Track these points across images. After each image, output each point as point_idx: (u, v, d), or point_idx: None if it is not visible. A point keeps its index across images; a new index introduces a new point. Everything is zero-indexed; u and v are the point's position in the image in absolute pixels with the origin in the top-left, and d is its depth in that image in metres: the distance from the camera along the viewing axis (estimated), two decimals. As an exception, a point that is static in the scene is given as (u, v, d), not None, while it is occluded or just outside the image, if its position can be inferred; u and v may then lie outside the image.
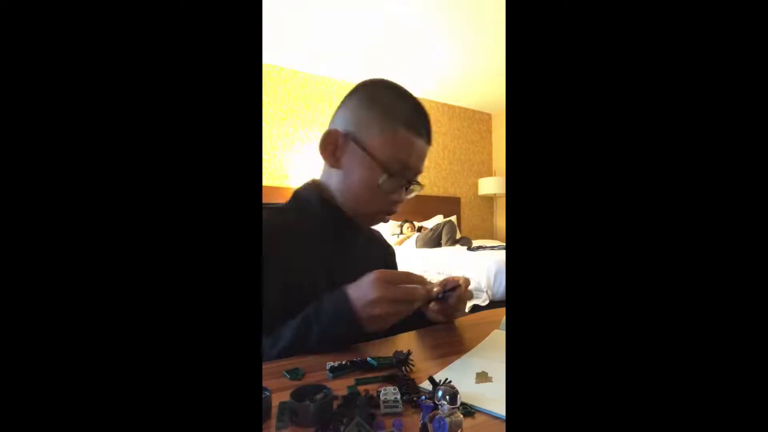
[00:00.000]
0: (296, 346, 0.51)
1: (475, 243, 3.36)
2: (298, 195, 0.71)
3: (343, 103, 0.68)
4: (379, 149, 0.62)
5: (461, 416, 0.32)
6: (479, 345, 0.56)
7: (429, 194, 4.55)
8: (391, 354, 0.48)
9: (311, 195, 0.69)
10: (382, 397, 0.37)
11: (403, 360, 0.47)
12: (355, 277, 0.56)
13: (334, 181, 0.68)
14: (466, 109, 4.95)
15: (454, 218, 4.22)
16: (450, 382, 0.38)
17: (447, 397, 0.31)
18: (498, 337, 0.60)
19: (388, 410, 0.36)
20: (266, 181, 3.59)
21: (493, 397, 0.38)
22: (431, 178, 4.58)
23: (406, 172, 0.65)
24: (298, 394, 0.35)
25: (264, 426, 0.33)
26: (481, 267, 2.51)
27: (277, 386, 0.41)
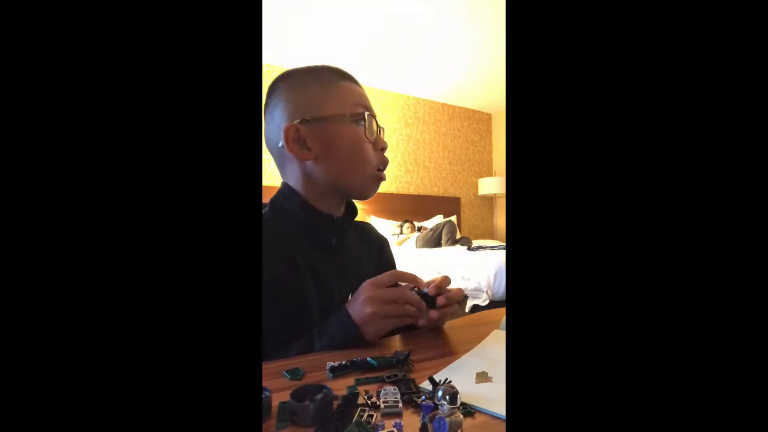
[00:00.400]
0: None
1: (475, 243, 3.36)
2: (275, 203, 0.67)
3: (268, 108, 0.66)
4: (339, 108, 0.63)
5: (461, 416, 0.32)
6: (479, 345, 0.56)
7: (429, 194, 4.55)
8: (391, 354, 0.48)
9: (288, 201, 0.66)
10: (382, 398, 0.37)
11: (403, 360, 0.47)
12: (347, 280, 0.57)
13: (317, 172, 0.64)
14: (466, 109, 4.95)
15: (454, 218, 4.22)
16: (450, 382, 0.38)
17: (447, 397, 0.31)
18: (498, 337, 0.60)
19: (388, 410, 0.36)
20: (266, 181, 3.59)
21: (493, 397, 0.38)
22: (431, 178, 4.59)
23: (372, 113, 0.66)
24: (298, 394, 0.35)
25: (264, 426, 0.33)
26: (481, 267, 2.51)
27: (277, 386, 0.41)
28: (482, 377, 0.43)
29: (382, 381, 0.43)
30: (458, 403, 0.31)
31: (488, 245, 3.12)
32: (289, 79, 0.66)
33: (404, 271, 0.61)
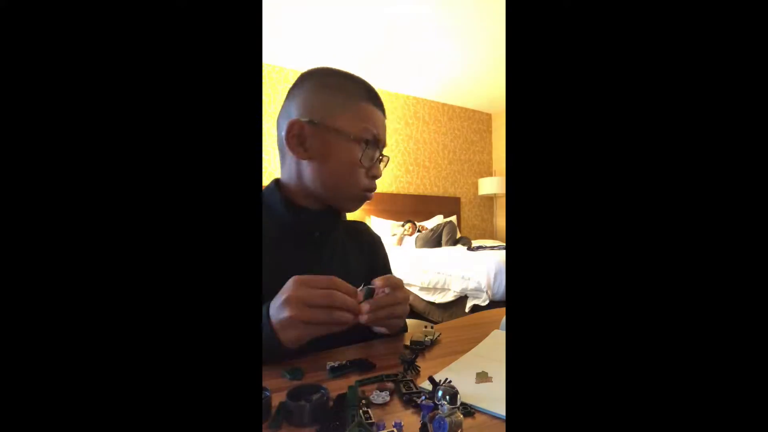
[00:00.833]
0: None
1: (475, 243, 3.36)
2: (262, 199, 0.66)
3: (291, 95, 0.65)
4: (349, 125, 0.62)
5: (461, 416, 0.32)
6: (479, 345, 0.56)
7: (429, 194, 4.55)
8: (390, 354, 0.48)
9: (274, 198, 0.66)
10: (372, 400, 0.37)
11: (410, 362, 0.47)
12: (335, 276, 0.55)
13: (307, 173, 0.64)
14: (466, 109, 4.95)
15: (454, 218, 4.22)
16: (450, 382, 0.38)
17: (447, 397, 0.31)
18: (498, 337, 0.60)
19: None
20: (266, 181, 3.59)
21: (493, 397, 0.38)
22: (431, 178, 4.59)
23: (378, 143, 0.65)
24: (294, 394, 0.35)
25: (264, 426, 0.33)
26: (481, 267, 2.51)
27: (277, 386, 0.41)
28: (482, 377, 0.43)
29: (382, 380, 0.43)
30: (458, 403, 0.31)
31: (488, 245, 3.12)
32: (319, 77, 0.65)
33: (395, 276, 0.58)
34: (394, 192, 4.27)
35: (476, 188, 4.93)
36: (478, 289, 2.51)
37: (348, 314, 0.48)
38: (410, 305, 3.10)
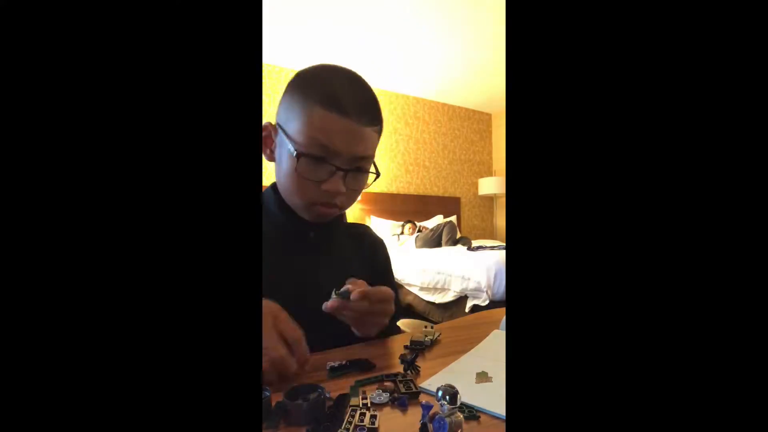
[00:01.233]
0: None
1: (475, 243, 3.36)
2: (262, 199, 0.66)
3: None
4: (298, 132, 0.56)
5: (461, 416, 0.32)
6: (479, 345, 0.56)
7: (429, 194, 4.55)
8: (390, 354, 0.48)
9: (270, 199, 0.66)
10: (371, 400, 0.37)
11: (410, 362, 0.47)
12: (332, 278, 0.54)
13: (276, 176, 0.64)
14: (466, 109, 4.95)
15: (454, 218, 4.22)
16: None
17: (447, 397, 0.31)
18: (497, 338, 0.60)
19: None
20: (266, 181, 3.59)
21: (493, 397, 0.38)
22: (431, 178, 4.59)
23: (332, 157, 0.57)
24: (292, 394, 0.35)
25: (264, 426, 0.33)
26: (481, 267, 2.51)
27: (277, 386, 0.41)
28: (482, 377, 0.43)
29: (382, 380, 0.43)
30: (458, 403, 0.31)
31: (488, 245, 3.12)
32: (297, 76, 0.61)
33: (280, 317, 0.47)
34: (394, 192, 4.27)
35: (476, 188, 4.93)
36: (478, 289, 2.51)
37: (280, 358, 0.42)
38: (410, 305, 3.10)
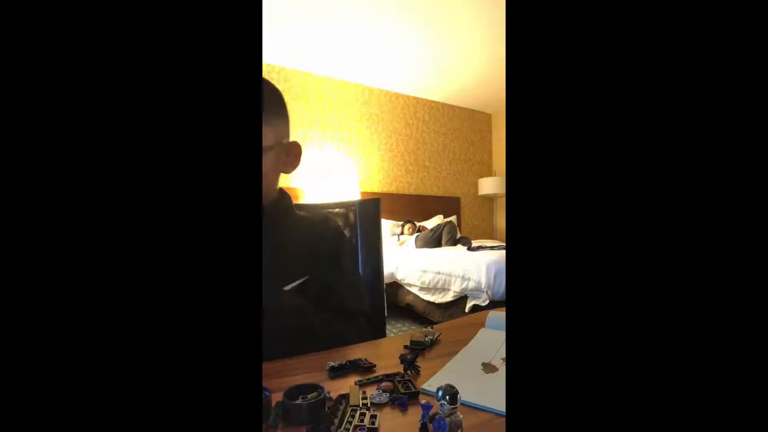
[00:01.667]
0: None
1: (475, 243, 3.35)
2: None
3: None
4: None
5: (461, 416, 0.32)
6: (466, 346, 0.55)
7: (429, 194, 4.55)
8: (390, 354, 0.48)
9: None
10: (371, 400, 0.37)
11: (410, 362, 0.47)
12: (281, 268, 0.55)
13: None
14: (466, 109, 4.95)
15: (454, 218, 4.22)
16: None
17: (447, 397, 0.31)
18: (485, 335, 0.60)
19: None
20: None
21: (493, 397, 0.38)
22: (431, 178, 4.58)
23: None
24: (292, 393, 0.35)
25: (264, 426, 0.33)
26: (481, 267, 2.51)
27: (277, 386, 0.41)
28: (490, 368, 0.44)
29: (382, 381, 0.43)
30: (458, 403, 0.31)
31: (488, 245, 3.12)
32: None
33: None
34: (394, 192, 4.26)
35: (476, 188, 4.92)
36: (477, 289, 2.51)
37: None
38: (410, 305, 3.10)
